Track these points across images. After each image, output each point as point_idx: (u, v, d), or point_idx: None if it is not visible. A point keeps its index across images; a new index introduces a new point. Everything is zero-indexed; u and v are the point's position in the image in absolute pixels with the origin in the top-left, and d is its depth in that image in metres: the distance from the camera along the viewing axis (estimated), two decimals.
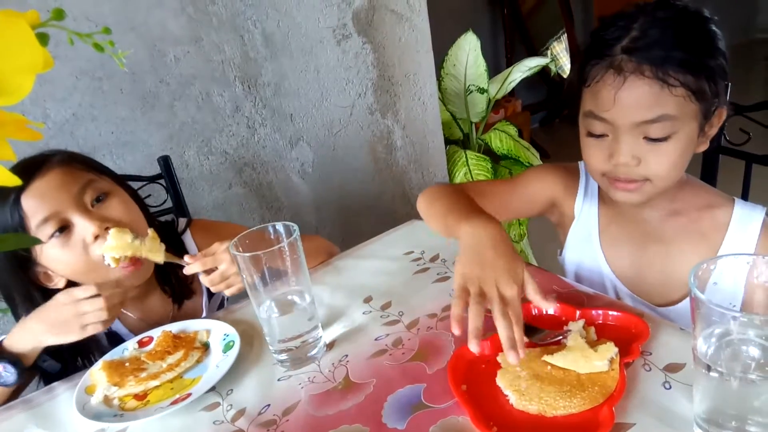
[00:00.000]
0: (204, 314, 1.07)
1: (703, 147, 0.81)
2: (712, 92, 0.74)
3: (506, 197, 1.00)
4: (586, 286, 0.87)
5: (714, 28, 0.74)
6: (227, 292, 0.90)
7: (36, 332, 0.83)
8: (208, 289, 1.03)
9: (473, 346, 0.61)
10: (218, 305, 1.11)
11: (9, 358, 0.82)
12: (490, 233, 0.71)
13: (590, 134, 0.81)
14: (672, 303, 0.89)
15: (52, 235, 0.86)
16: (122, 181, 0.99)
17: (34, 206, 0.84)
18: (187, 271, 0.89)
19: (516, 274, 0.66)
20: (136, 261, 0.90)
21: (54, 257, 0.88)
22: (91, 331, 0.83)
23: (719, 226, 0.86)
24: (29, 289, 0.90)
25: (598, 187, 0.95)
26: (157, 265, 0.96)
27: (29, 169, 0.85)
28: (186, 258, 0.89)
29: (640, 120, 0.74)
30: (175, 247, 1.04)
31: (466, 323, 0.63)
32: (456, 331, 0.63)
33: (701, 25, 0.74)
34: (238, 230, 0.90)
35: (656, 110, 0.73)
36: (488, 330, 0.64)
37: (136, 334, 0.97)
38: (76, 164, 0.91)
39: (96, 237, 0.87)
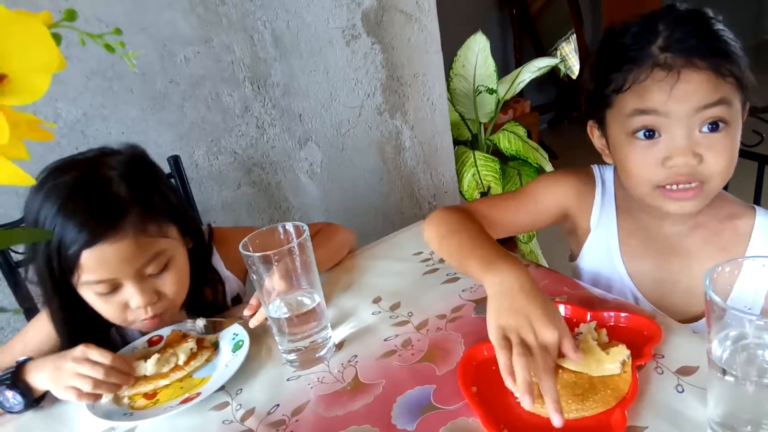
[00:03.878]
0: None
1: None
2: (748, 83, 0.74)
3: (514, 213, 0.96)
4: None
5: (722, 26, 0.75)
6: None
7: (44, 373, 0.78)
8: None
9: (526, 403, 0.59)
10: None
11: (21, 387, 0.78)
12: (517, 280, 0.68)
13: (636, 137, 0.76)
14: (696, 318, 0.86)
15: (98, 294, 0.83)
16: (185, 220, 0.93)
17: (94, 268, 0.79)
18: (254, 324, 0.86)
19: (553, 317, 0.64)
20: (157, 315, 0.88)
21: (89, 300, 0.85)
22: (65, 395, 0.76)
23: (741, 238, 0.83)
24: (66, 303, 0.86)
25: (615, 196, 0.92)
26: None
27: (100, 222, 0.78)
28: (245, 312, 0.87)
29: (701, 104, 0.71)
30: (204, 265, 1.00)
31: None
32: (510, 385, 0.62)
33: (716, 22, 0.75)
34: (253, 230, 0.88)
35: (716, 94, 0.71)
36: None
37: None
38: (152, 227, 0.83)
39: (139, 308, 0.84)
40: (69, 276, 0.80)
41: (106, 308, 0.85)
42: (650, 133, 0.75)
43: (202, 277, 0.97)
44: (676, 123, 0.73)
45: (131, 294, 0.83)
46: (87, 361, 0.76)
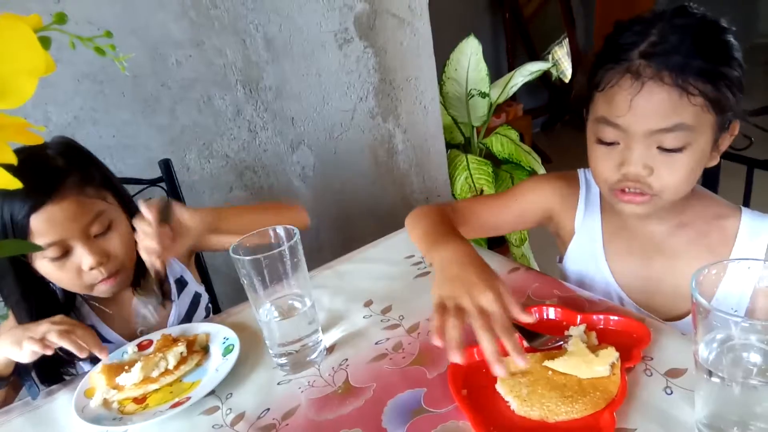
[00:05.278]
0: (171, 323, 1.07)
1: (715, 161, 0.79)
2: (728, 103, 0.72)
3: (494, 211, 0.98)
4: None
5: (732, 38, 0.73)
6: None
7: (4, 343, 0.81)
8: (178, 301, 1.08)
9: (454, 357, 0.62)
10: (188, 319, 1.10)
11: None
12: (457, 253, 0.71)
13: (600, 141, 0.78)
14: (680, 317, 0.87)
15: (52, 258, 0.88)
16: (120, 192, 1.00)
17: (43, 230, 0.85)
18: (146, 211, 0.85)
19: (488, 282, 0.65)
20: (115, 273, 0.93)
21: (46, 272, 0.90)
22: (28, 349, 0.79)
23: (727, 238, 0.84)
24: (26, 289, 0.92)
25: (600, 198, 0.93)
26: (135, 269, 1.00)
27: (43, 187, 0.85)
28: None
29: (656, 128, 0.72)
30: None
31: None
32: (437, 341, 0.63)
33: (720, 35, 0.72)
34: None
35: (673, 118, 0.71)
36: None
37: (108, 326, 1.02)
38: (90, 189, 0.91)
39: (91, 268, 0.90)
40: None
41: (62, 275, 0.90)
42: (610, 142, 0.78)
43: None
44: (632, 139, 0.74)
45: (81, 254, 0.89)
46: (65, 323, 0.81)
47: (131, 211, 1.01)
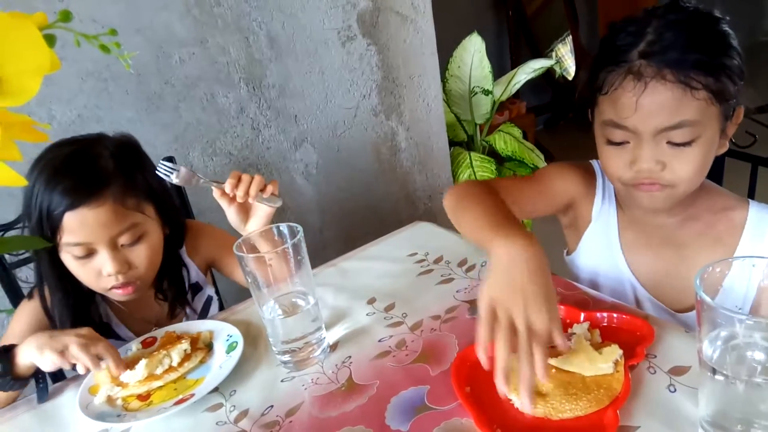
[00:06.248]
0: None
1: (723, 149, 0.80)
2: (731, 92, 0.73)
3: (531, 196, 0.96)
4: (604, 290, 0.86)
5: (726, 28, 0.74)
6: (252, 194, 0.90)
7: (34, 342, 0.79)
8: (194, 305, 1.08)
9: (501, 386, 0.59)
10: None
11: (3, 362, 0.80)
12: (526, 254, 0.64)
13: (610, 142, 0.79)
14: (691, 308, 0.87)
15: (76, 256, 0.88)
16: (163, 204, 0.99)
17: (74, 229, 0.85)
18: (238, 195, 0.91)
19: (548, 302, 0.61)
20: (132, 283, 0.93)
21: (68, 264, 0.91)
22: (49, 358, 0.77)
23: (735, 229, 0.85)
24: (61, 273, 0.92)
25: (615, 189, 0.94)
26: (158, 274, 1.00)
27: (84, 188, 0.85)
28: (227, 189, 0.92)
29: (663, 126, 0.73)
30: (174, 256, 1.05)
31: (492, 352, 0.60)
32: (483, 359, 0.61)
33: (714, 26, 0.73)
34: (224, 234, 1.07)
35: (679, 115, 0.72)
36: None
37: (124, 324, 1.02)
38: (130, 200, 0.90)
39: (110, 275, 0.90)
40: (54, 237, 0.87)
41: (82, 272, 0.91)
42: (619, 142, 0.79)
43: (171, 262, 1.04)
44: (641, 138, 0.75)
45: (104, 260, 0.89)
46: (89, 337, 0.80)
47: (171, 223, 1.01)
